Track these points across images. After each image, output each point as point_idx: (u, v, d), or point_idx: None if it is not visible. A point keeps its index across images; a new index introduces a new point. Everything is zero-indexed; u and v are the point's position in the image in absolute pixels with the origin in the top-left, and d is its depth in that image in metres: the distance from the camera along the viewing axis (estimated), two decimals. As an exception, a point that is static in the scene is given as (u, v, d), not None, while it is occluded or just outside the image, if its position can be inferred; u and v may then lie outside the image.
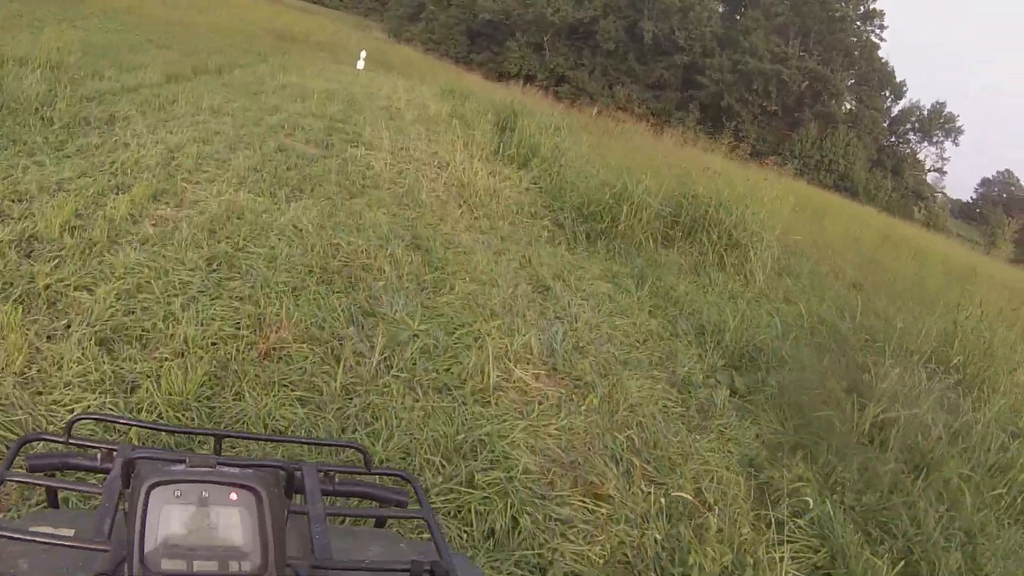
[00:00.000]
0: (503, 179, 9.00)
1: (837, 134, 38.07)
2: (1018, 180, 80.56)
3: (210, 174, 6.11)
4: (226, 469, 0.77)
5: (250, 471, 0.79)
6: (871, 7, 41.72)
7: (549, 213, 8.35)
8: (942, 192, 52.51)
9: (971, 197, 79.85)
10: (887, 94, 46.84)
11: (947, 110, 48.99)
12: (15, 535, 0.79)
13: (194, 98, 8.79)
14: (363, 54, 20.77)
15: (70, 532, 0.87)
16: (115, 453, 0.97)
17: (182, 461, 0.76)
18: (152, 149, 6.23)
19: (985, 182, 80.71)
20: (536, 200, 8.69)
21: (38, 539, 0.79)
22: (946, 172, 50.57)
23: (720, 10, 43.99)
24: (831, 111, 39.27)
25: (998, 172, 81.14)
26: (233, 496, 0.75)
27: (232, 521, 0.74)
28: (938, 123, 49.25)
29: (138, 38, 14.09)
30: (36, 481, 1.06)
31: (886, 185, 38.25)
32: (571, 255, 7.11)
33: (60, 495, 1.16)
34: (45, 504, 1.12)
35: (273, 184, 6.35)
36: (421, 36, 53.16)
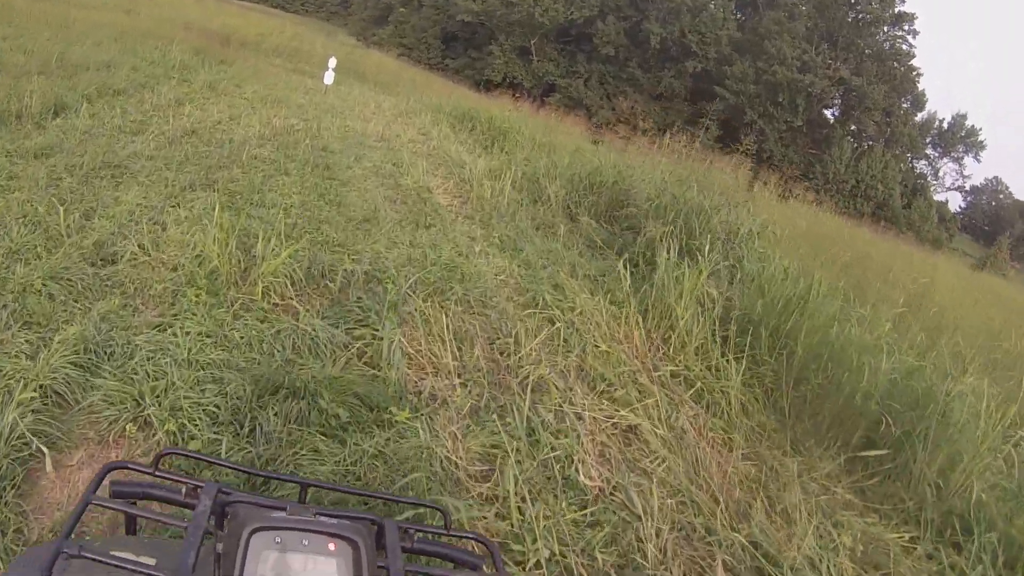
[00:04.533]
0: None
1: (873, 155, 33.39)
2: (1007, 188, 77.96)
3: None
4: (325, 519, 0.81)
5: (348, 522, 0.82)
6: (899, 9, 37.08)
7: None
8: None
9: (959, 206, 76.71)
10: (908, 106, 42.60)
11: (969, 123, 45.19)
12: (103, 559, 0.79)
13: None
14: (332, 62, 15.17)
15: (151, 560, 0.86)
16: (199, 490, 0.95)
17: (281, 508, 0.82)
18: None
19: (974, 190, 77.92)
20: None
21: (125, 565, 0.78)
22: (969, 192, 46.67)
23: (735, 12, 39.05)
24: (864, 128, 34.63)
25: (987, 180, 78.41)
26: (331, 546, 0.78)
27: (328, 570, 0.77)
28: (959, 137, 45.28)
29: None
30: (121, 508, 1.00)
31: (931, 215, 33.63)
32: None
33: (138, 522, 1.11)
34: (120, 528, 1.09)
35: None
36: (390, 40, 48.23)
